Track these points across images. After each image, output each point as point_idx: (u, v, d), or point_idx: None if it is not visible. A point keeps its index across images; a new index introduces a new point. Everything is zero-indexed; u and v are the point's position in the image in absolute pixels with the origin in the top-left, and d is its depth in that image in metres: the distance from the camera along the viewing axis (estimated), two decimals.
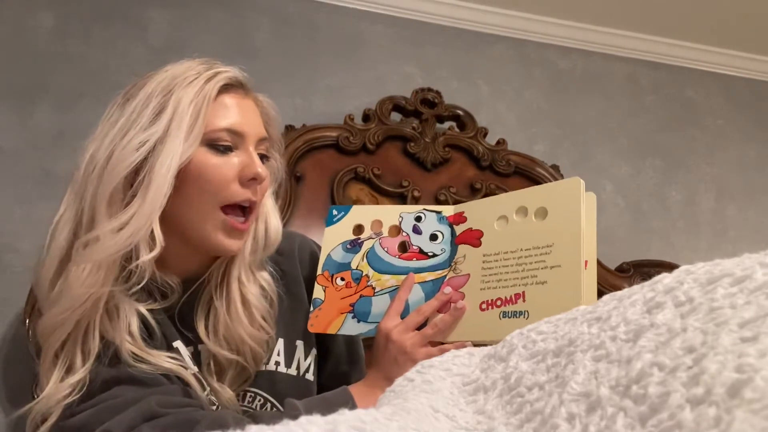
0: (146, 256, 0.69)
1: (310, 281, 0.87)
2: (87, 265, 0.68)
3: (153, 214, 0.69)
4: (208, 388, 0.76)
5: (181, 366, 0.73)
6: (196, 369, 0.76)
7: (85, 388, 0.68)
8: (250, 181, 0.74)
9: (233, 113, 0.75)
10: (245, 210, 0.76)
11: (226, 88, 0.76)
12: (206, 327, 0.77)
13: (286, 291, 0.84)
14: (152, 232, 0.69)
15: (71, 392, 0.67)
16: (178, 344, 0.76)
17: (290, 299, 0.85)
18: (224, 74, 0.75)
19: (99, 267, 0.68)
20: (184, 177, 0.71)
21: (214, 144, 0.73)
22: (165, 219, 0.72)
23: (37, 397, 0.69)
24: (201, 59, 0.77)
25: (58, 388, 0.67)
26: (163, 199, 0.69)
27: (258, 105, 0.80)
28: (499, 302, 0.73)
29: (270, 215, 0.82)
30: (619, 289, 0.37)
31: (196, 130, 0.71)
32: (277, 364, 0.83)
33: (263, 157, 0.78)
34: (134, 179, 0.70)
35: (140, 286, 0.71)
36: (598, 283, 1.50)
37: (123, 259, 0.70)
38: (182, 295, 0.77)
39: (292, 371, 0.84)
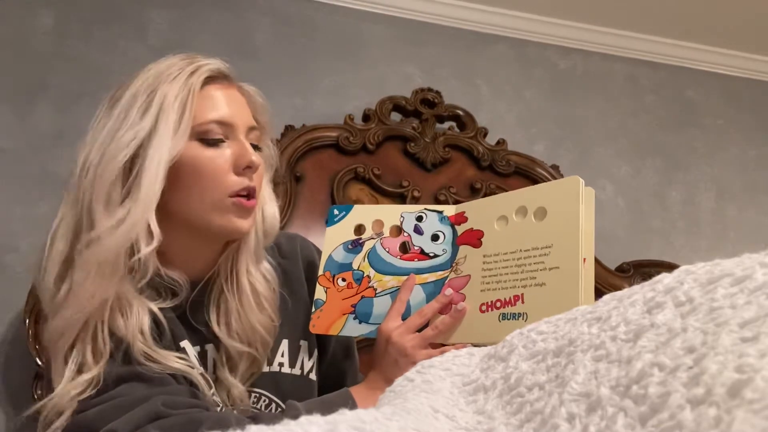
0: (146, 249, 0.70)
1: (310, 282, 0.88)
2: (92, 267, 0.68)
3: (147, 208, 0.69)
4: (213, 388, 0.76)
5: (189, 366, 0.73)
6: (202, 369, 0.76)
7: (100, 385, 0.68)
8: (245, 169, 0.75)
9: (221, 105, 0.75)
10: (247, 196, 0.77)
11: (210, 80, 0.76)
12: (218, 321, 0.78)
13: (289, 292, 0.85)
14: (149, 226, 0.70)
15: (85, 389, 0.68)
16: (185, 344, 0.77)
17: (294, 300, 0.86)
18: (207, 67, 0.76)
19: (103, 267, 0.68)
20: (179, 172, 0.72)
21: (205, 137, 0.73)
22: (168, 215, 0.73)
23: (38, 397, 0.69)
24: (182, 54, 0.77)
25: (71, 386, 0.68)
26: (155, 194, 0.69)
27: (243, 94, 0.80)
28: (498, 304, 0.72)
29: (267, 204, 0.83)
30: (619, 289, 0.37)
31: (184, 124, 0.71)
32: (281, 365, 0.83)
33: (255, 147, 0.78)
34: (128, 177, 0.70)
35: (146, 280, 0.71)
36: (598, 283, 1.52)
37: (126, 257, 0.70)
38: (191, 293, 0.77)
39: (296, 371, 0.84)
